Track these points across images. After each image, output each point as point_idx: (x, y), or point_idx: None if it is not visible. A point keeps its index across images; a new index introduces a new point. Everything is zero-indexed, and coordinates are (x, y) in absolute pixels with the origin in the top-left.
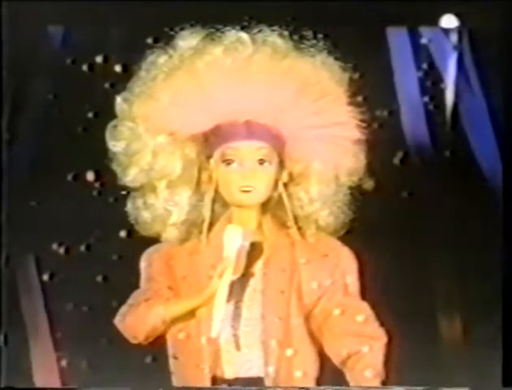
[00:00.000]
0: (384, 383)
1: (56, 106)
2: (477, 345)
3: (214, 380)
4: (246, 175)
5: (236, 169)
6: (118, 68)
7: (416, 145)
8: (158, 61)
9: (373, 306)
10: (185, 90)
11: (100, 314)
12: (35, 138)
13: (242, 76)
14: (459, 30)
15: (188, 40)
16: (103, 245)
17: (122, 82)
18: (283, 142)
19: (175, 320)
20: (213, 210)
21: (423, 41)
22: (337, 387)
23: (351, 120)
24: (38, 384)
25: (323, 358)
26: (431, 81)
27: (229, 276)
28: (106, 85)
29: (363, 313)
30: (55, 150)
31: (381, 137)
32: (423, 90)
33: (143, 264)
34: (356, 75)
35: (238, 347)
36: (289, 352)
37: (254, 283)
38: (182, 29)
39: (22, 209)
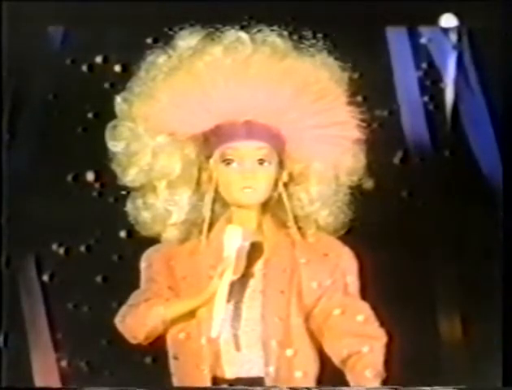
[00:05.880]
0: (384, 383)
1: (56, 106)
2: (477, 345)
3: (215, 380)
4: (246, 175)
5: (235, 169)
6: (117, 68)
7: (416, 144)
8: (157, 61)
9: (373, 306)
10: (185, 90)
11: (100, 315)
12: (35, 138)
13: (242, 76)
14: (459, 29)
15: (187, 40)
16: (103, 246)
17: (122, 82)
18: (283, 142)
19: (175, 320)
20: (213, 210)
21: (423, 40)
22: (337, 387)
23: (351, 120)
24: (38, 384)
25: (323, 358)
26: (430, 81)
27: (229, 276)
28: (106, 85)
29: (363, 313)
30: (55, 150)
31: (381, 137)
32: (423, 90)
33: (143, 264)
34: (355, 75)
35: (238, 347)
36: (289, 352)
37: (254, 284)
38: (181, 29)
39: (22, 209)
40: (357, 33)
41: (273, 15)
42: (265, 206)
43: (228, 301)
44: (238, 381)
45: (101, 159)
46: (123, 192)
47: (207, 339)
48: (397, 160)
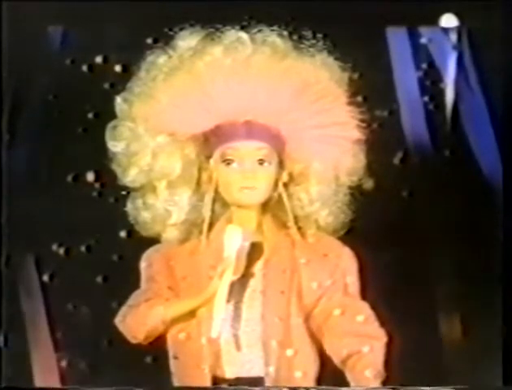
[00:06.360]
0: (384, 383)
1: (56, 106)
2: (477, 345)
3: (215, 380)
4: (246, 175)
5: (235, 169)
6: (118, 68)
7: (416, 144)
8: (157, 61)
9: (373, 306)
10: (185, 90)
11: (100, 315)
12: (35, 138)
13: (242, 76)
14: (459, 29)
15: (187, 40)
16: (103, 246)
17: (122, 82)
18: (283, 142)
19: (175, 320)
20: (213, 210)
21: (423, 40)
22: (337, 387)
23: (351, 120)
24: (38, 384)
25: (324, 358)
26: (430, 81)
27: (229, 276)
28: (106, 85)
29: (363, 313)
30: (55, 150)
31: (381, 137)
32: (423, 90)
33: (143, 264)
34: (356, 75)
35: (238, 347)
36: (290, 352)
37: (254, 284)
38: (182, 29)
39: (22, 209)
40: (357, 33)
41: (273, 15)
42: (265, 206)
43: (228, 301)
44: (238, 381)
45: (101, 159)
46: (123, 193)
47: (207, 339)
48: (396, 160)
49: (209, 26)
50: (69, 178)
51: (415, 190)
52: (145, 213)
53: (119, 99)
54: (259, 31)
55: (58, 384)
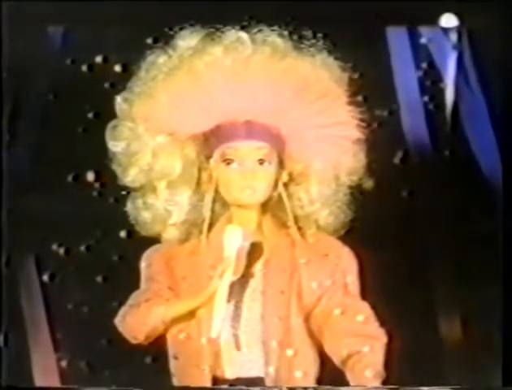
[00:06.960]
0: (384, 383)
1: (56, 106)
2: (477, 345)
3: (215, 380)
4: (246, 175)
5: (236, 169)
6: (118, 68)
7: (416, 144)
8: (157, 61)
9: (373, 306)
10: (185, 90)
11: (100, 315)
12: (35, 138)
13: (242, 76)
14: (459, 29)
15: (187, 40)
16: (103, 246)
17: (122, 82)
18: (283, 142)
19: (176, 320)
20: (213, 210)
21: (423, 40)
22: (337, 387)
23: (351, 120)
24: (38, 384)
25: (324, 358)
26: (430, 81)
27: (229, 276)
28: (106, 85)
29: (363, 313)
30: (55, 150)
31: (381, 137)
32: (423, 90)
33: (143, 264)
34: (356, 75)
35: (238, 347)
36: (290, 352)
37: (254, 284)
38: (182, 29)
39: (22, 209)
40: (358, 33)
41: (273, 15)
42: (265, 206)
43: (228, 301)
44: (238, 381)
45: (101, 159)
46: (123, 192)
47: (207, 339)
48: (397, 160)
49: (209, 26)
50: (69, 178)
51: (415, 190)
52: (145, 213)
53: (119, 99)
54: (259, 31)
55: (58, 384)
